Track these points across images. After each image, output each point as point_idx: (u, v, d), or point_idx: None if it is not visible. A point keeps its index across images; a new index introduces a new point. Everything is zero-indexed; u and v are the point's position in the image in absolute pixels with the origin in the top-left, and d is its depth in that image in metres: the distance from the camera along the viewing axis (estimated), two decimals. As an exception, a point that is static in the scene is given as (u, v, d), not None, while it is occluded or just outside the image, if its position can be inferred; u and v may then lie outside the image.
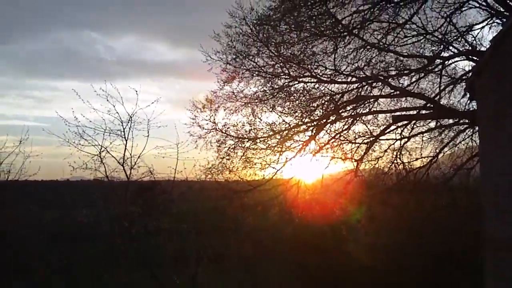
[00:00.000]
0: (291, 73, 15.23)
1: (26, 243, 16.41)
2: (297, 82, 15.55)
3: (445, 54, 15.27)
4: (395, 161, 16.68)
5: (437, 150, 16.92)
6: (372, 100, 16.07)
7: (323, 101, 15.86)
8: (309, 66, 15.05)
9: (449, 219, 15.28)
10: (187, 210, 17.37)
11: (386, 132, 16.03)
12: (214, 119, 15.90)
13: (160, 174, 13.17)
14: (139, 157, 12.49)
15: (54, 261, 16.70)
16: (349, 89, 15.77)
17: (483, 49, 14.47)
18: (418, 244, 14.24)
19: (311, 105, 15.81)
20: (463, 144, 17.13)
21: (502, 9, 14.45)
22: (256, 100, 15.90)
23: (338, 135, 16.21)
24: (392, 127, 15.98)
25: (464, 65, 16.79)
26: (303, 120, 15.75)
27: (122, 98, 12.29)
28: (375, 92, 15.74)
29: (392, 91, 15.33)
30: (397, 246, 14.60)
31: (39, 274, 15.50)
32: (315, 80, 15.33)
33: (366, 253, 15.15)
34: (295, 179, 16.23)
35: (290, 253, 15.60)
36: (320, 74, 15.16)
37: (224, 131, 15.93)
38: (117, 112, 12.26)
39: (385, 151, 16.79)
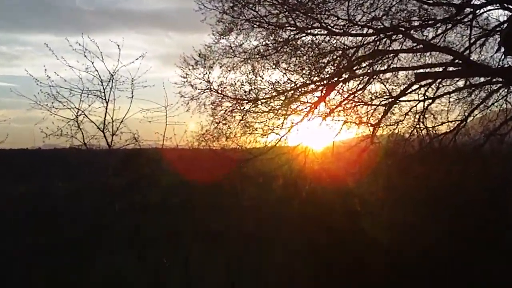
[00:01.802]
0: (298, 24, 14.96)
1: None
2: (304, 34, 15.27)
3: (477, 2, 14.84)
4: (418, 126, 16.61)
5: (466, 113, 16.82)
6: (392, 55, 15.88)
7: (334, 57, 15.61)
8: (318, 15, 14.78)
9: (480, 190, 14.81)
10: (179, 182, 16.92)
11: (407, 92, 15.87)
12: (209, 78, 15.66)
13: (146, 141, 13.08)
14: (122, 121, 12.27)
15: (28, 242, 16.74)
16: (365, 42, 15.56)
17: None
18: (444, 220, 13.82)
19: (320, 61, 15.57)
20: (496, 106, 16.92)
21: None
22: (257, 56, 15.57)
23: (352, 95, 16.09)
24: (414, 87, 15.84)
25: (498, 14, 16.18)
26: (311, 78, 15.55)
27: (102, 54, 12.07)
28: (395, 46, 15.58)
29: (415, 44, 15.08)
30: (420, 222, 14.12)
31: (13, 256, 15.48)
32: (325, 32, 15.06)
33: (384, 231, 14.63)
34: (302, 146, 16.25)
35: (296, 232, 15.26)
36: (332, 25, 14.91)
37: (220, 92, 15.76)
38: (96, 70, 12.07)
39: (406, 114, 16.64)
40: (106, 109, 12.17)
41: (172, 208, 15.94)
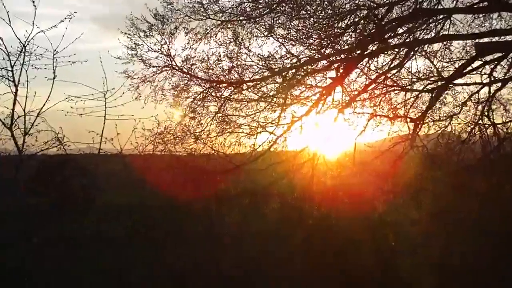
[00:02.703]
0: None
1: None
2: None
3: None
4: (481, 122, 15.15)
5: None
6: (442, 17, 14.49)
7: (357, 19, 14.05)
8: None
9: None
10: (124, 203, 15.03)
11: (465, 72, 14.57)
12: (169, 50, 14.48)
13: (75, 143, 11.39)
14: (38, 114, 10.61)
15: None
16: None
17: None
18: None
19: (336, 25, 14.10)
20: None
21: None
22: (241, 17, 14.37)
23: (383, 77, 14.71)
24: (476, 64, 14.52)
25: None
26: (322, 51, 14.24)
27: (9, 14, 10.29)
28: (447, 3, 14.38)
29: (477, 1, 13.88)
30: (487, 266, 12.02)
31: None
32: None
33: (431, 278, 12.11)
34: (309, 152, 14.84)
35: (301, 282, 12.48)
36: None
37: (185, 71, 14.55)
38: (0, 38, 10.52)
39: (464, 104, 15.26)
40: (16, 96, 10.57)
41: (113, 241, 13.26)
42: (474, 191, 14.34)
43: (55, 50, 10.75)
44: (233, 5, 14.31)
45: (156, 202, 14.39)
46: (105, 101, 11.01)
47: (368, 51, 14.14)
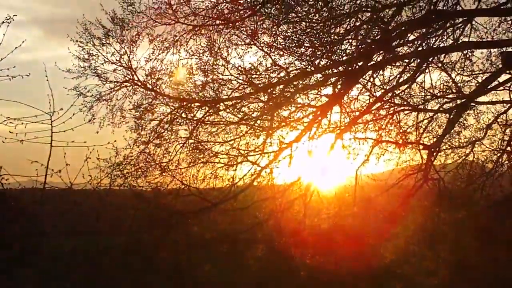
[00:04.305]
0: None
1: None
2: None
3: None
4: (510, 148, 14.33)
5: None
6: (461, 20, 13.22)
7: (358, 22, 12.68)
8: None
9: None
10: (73, 252, 13.05)
11: (489, 88, 13.29)
12: (130, 61, 13.26)
13: (13, 176, 9.30)
14: None
15: None
16: None
17: None
18: None
19: (333, 31, 12.69)
20: None
21: None
22: (218, 21, 13.26)
23: (390, 94, 13.39)
24: (503, 78, 13.39)
25: None
26: (316, 62, 12.84)
27: None
28: (467, 4, 14.05)
29: (504, 1, 12.78)
30: None
31: None
32: None
33: None
34: (300, 186, 13.42)
35: None
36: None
37: (150, 86, 13.35)
38: None
39: (489, 127, 14.29)
40: None
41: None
42: (503, 236, 13.30)
43: (-11, 60, 9.98)
44: (207, 6, 13.12)
45: (113, 249, 12.67)
46: (51, 124, 8.73)
47: (372, 62, 12.71)
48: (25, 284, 11.99)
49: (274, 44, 12.72)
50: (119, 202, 13.42)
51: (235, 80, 13.00)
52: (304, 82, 12.98)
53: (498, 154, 14.33)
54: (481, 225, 13.67)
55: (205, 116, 13.22)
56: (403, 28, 12.62)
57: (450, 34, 13.18)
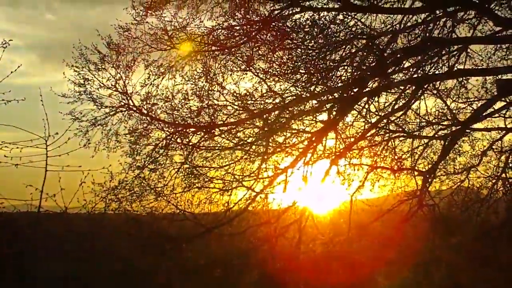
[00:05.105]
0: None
1: None
2: (298, 10, 12.68)
3: None
4: (505, 175, 14.30)
5: None
6: (456, 48, 13.53)
7: (353, 49, 12.97)
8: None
9: None
10: (66, 276, 12.82)
11: (485, 115, 13.44)
12: (125, 86, 13.09)
13: (8, 200, 9.43)
14: None
15: None
16: (408, 25, 13.17)
17: None
18: None
19: (328, 57, 12.89)
20: None
21: None
22: (214, 47, 13.20)
23: (385, 121, 13.57)
24: (498, 105, 13.49)
25: None
26: (311, 88, 13.07)
27: None
28: (463, 32, 13.71)
29: (499, 29, 12.77)
30: None
31: None
32: (337, 6, 12.76)
33: None
34: (295, 211, 13.54)
35: None
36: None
37: (145, 111, 13.20)
38: None
39: (483, 154, 14.37)
40: None
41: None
42: (499, 263, 13.41)
43: (-17, 85, 9.62)
44: (203, 32, 12.97)
45: (106, 274, 12.48)
46: (46, 148, 8.64)
47: (367, 89, 12.85)
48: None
49: (269, 70, 12.83)
50: (114, 226, 13.49)
51: (230, 105, 13.08)
52: (299, 108, 13.12)
53: (493, 181, 14.31)
54: (476, 251, 13.77)
55: (200, 141, 13.17)
56: (399, 55, 12.75)
57: (445, 62, 13.36)
